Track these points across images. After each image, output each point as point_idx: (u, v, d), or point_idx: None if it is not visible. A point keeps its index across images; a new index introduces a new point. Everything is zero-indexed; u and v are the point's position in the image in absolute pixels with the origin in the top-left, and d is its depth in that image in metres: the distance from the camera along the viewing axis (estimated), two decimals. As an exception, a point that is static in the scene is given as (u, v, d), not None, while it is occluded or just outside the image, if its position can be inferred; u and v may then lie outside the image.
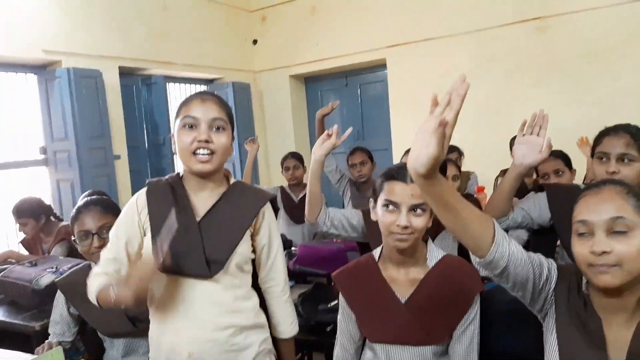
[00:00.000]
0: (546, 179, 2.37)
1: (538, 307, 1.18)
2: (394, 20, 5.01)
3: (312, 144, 6.04)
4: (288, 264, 2.53)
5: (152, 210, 1.39)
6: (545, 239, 1.86)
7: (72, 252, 2.88)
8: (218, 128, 1.35)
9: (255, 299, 1.47)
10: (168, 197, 1.39)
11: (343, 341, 1.51)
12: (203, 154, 1.32)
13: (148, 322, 1.48)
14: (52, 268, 2.51)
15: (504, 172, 3.49)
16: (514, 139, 3.35)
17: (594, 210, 1.04)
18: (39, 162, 4.08)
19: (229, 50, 5.63)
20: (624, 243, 1.00)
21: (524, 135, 1.66)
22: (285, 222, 3.67)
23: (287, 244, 3.15)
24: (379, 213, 1.41)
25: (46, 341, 1.77)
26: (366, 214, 1.93)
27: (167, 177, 1.47)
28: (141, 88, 4.88)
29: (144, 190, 1.43)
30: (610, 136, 1.63)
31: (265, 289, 1.49)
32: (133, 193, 1.82)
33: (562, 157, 2.40)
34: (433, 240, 1.54)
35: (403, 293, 1.41)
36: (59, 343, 1.75)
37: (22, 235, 3.26)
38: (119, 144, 4.33)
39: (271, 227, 1.47)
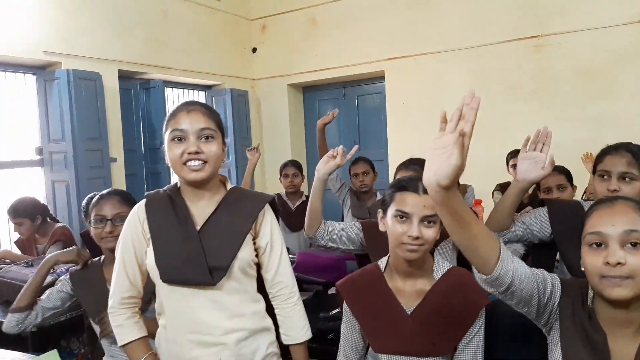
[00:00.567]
0: (549, 193, 2.41)
1: (543, 322, 1.19)
2: (394, 34, 5.07)
3: (308, 152, 6.08)
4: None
5: (152, 223, 1.39)
6: (544, 253, 1.88)
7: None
8: (207, 137, 1.35)
9: (261, 303, 1.47)
10: (167, 208, 1.40)
11: (346, 350, 1.51)
12: (194, 164, 1.33)
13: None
14: (48, 269, 2.49)
15: (500, 186, 3.53)
16: (510, 154, 3.44)
17: (608, 223, 1.07)
18: (35, 163, 4.04)
19: (228, 57, 5.64)
20: (637, 256, 1.03)
21: (527, 151, 1.68)
22: (281, 230, 3.65)
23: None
24: (388, 223, 1.42)
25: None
26: (365, 226, 1.93)
27: (165, 188, 1.47)
28: (140, 92, 4.87)
29: (142, 203, 1.43)
30: (612, 155, 1.65)
31: (274, 294, 1.47)
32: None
33: (565, 172, 2.46)
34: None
35: (409, 304, 1.42)
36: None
37: (16, 236, 3.23)
38: (116, 147, 4.31)
39: (272, 227, 1.48)
